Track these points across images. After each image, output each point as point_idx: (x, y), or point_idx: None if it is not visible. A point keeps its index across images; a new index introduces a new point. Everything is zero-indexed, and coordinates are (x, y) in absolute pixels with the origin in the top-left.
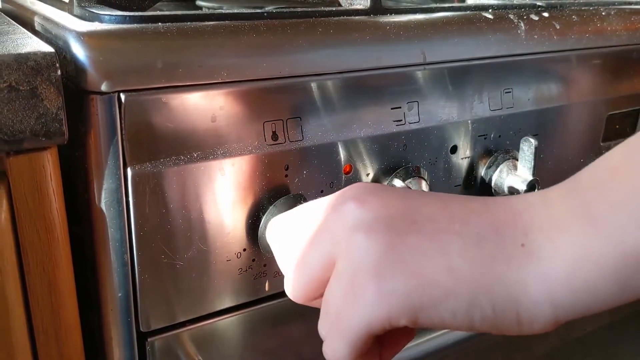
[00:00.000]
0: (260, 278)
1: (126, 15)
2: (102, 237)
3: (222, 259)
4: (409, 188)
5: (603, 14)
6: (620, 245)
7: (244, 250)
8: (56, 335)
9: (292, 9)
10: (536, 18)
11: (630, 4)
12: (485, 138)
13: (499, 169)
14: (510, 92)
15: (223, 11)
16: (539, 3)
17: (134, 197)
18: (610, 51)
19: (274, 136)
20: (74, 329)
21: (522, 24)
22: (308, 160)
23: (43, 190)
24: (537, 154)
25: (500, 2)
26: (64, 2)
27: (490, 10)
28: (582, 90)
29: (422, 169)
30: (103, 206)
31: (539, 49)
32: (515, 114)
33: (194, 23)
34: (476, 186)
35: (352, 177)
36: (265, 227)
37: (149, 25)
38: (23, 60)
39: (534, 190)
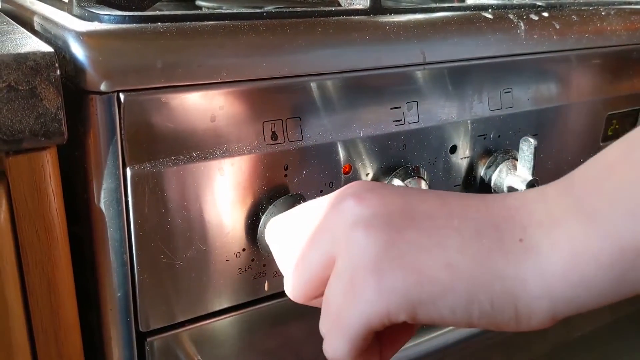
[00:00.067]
0: (259, 278)
1: (125, 15)
2: (102, 237)
3: (222, 258)
4: None
5: (603, 13)
6: (617, 239)
7: (244, 250)
8: (55, 335)
9: (291, 9)
10: (536, 18)
11: (630, 4)
12: (484, 138)
13: (498, 169)
14: (509, 92)
15: (222, 11)
16: (538, 3)
17: (134, 197)
18: (610, 51)
19: (274, 136)
20: (73, 328)
21: (521, 24)
22: (307, 160)
23: (42, 190)
24: (537, 153)
25: (500, 2)
26: (64, 2)
27: (490, 10)
28: (581, 90)
29: (421, 169)
30: (102, 206)
31: (539, 48)
32: (514, 114)
33: (193, 23)
34: (476, 186)
35: (352, 177)
36: (265, 227)
37: (149, 25)
38: (22, 60)
39: None
